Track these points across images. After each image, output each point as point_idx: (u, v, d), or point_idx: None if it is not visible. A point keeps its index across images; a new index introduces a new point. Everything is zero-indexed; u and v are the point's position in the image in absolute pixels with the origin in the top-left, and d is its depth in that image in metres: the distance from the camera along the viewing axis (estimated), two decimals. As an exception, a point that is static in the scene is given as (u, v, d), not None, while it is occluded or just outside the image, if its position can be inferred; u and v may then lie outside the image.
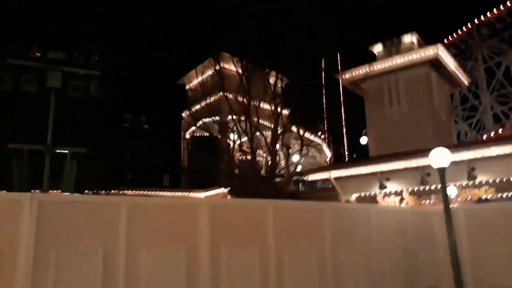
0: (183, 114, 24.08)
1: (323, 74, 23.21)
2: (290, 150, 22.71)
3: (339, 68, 23.60)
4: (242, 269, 6.52)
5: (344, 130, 28.07)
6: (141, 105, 24.39)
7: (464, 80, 21.97)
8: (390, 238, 8.62)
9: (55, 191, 9.05)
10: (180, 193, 20.05)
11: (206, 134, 22.05)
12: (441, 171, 8.12)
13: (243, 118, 20.79)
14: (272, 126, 21.72)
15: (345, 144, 27.20)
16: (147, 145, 23.59)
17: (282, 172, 21.04)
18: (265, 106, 22.14)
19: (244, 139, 20.75)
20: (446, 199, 8.05)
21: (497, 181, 11.02)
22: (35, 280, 5.05)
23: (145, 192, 20.21)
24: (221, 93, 20.88)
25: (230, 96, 20.42)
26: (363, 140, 22.39)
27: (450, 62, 19.42)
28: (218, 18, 20.77)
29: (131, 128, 24.46)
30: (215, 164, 20.81)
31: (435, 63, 18.89)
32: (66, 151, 9.59)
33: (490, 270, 8.73)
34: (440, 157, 8.19)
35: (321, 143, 28.70)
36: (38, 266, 5.14)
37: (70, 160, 9.41)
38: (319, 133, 27.61)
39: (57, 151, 9.55)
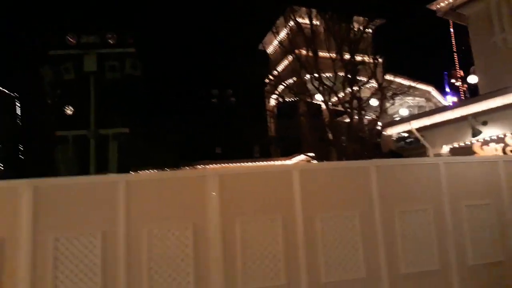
0: (266, 81, 23.33)
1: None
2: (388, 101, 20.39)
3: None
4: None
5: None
6: (226, 79, 24.25)
7: None
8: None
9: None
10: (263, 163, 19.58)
11: (291, 99, 21.07)
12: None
13: (329, 75, 19.22)
14: (366, 78, 19.68)
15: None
16: (235, 119, 23.58)
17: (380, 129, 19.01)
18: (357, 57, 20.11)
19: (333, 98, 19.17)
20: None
21: None
22: (35, 266, 5.16)
23: (235, 164, 20.29)
24: (300, 50, 19.51)
25: (305, 53, 18.93)
26: (472, 79, 18.89)
27: None
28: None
29: (219, 103, 24.62)
30: (301, 129, 19.80)
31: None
32: (109, 133, 9.71)
33: None
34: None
35: (429, 88, 25.29)
36: (38, 252, 5.23)
37: (112, 141, 9.52)
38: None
39: (101, 133, 9.72)
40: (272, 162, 20.39)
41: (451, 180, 6.81)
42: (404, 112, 24.26)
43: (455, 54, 31.94)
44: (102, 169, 9.35)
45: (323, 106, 19.68)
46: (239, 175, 6.16)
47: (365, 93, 20.76)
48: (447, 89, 34.02)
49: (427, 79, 24.74)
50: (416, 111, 24.35)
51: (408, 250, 6.32)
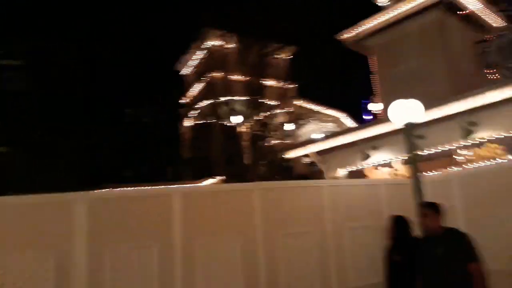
0: (182, 101, 23.01)
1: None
2: (298, 126, 21.01)
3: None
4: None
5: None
6: (141, 98, 23.51)
7: (495, 22, 19.01)
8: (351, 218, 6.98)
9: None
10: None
11: (205, 120, 20.88)
12: (409, 128, 6.41)
13: (243, 98, 19.40)
14: (277, 103, 20.15)
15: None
16: (148, 139, 22.81)
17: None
18: (268, 82, 20.56)
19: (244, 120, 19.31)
20: (414, 165, 6.31)
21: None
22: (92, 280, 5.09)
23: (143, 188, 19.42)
24: (214, 73, 19.58)
25: (220, 75, 19.03)
26: (372, 106, 20.17)
27: (469, 2, 16.71)
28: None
29: (132, 123, 23.72)
30: (216, 152, 19.63)
31: (452, 5, 16.33)
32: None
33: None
34: (406, 110, 6.46)
35: (339, 115, 26.59)
36: (93, 265, 5.14)
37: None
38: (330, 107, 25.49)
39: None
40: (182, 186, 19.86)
41: (335, 202, 6.96)
42: (317, 136, 25.22)
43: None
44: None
45: (237, 128, 19.77)
46: (109, 200, 5.76)
47: (278, 118, 21.28)
48: (365, 116, 36.01)
49: (347, 105, 26.02)
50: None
51: (290, 273, 6.27)
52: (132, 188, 16.72)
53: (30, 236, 5.16)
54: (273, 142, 20.16)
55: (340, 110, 27.11)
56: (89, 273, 5.17)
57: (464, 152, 9.58)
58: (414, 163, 6.31)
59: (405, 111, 6.27)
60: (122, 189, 15.59)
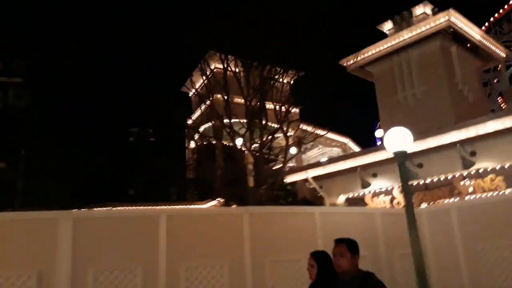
0: (187, 123, 23.16)
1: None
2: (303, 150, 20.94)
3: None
4: None
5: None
6: (147, 118, 23.72)
7: (500, 51, 19.04)
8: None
9: None
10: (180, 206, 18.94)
11: (207, 142, 20.93)
12: (400, 156, 6.30)
13: (245, 120, 19.43)
14: (280, 126, 20.13)
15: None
16: (153, 159, 22.91)
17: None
18: (271, 105, 20.61)
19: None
20: (408, 195, 6.18)
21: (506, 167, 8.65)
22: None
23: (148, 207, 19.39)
24: (217, 95, 19.68)
25: (222, 97, 19.12)
26: (379, 133, 20.08)
27: (472, 31, 16.79)
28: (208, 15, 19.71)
29: (137, 142, 23.87)
30: (217, 174, 19.59)
31: (455, 34, 16.39)
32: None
33: None
34: (398, 138, 6.38)
35: (345, 140, 26.52)
36: (76, 285, 5.18)
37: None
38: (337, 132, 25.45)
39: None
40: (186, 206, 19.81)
41: (327, 230, 6.82)
42: (322, 161, 25.13)
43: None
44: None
45: (240, 151, 19.77)
46: (96, 219, 5.75)
47: (282, 141, 21.25)
48: (378, 142, 35.83)
49: (358, 129, 25.90)
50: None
51: (278, 303, 6.13)
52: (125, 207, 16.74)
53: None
54: (277, 165, 20.02)
55: (345, 135, 27.07)
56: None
57: (464, 182, 9.42)
58: (408, 192, 6.19)
59: (395, 139, 6.20)
60: (109, 208, 15.47)
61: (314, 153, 29.35)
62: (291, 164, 20.72)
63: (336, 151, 28.97)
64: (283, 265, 6.31)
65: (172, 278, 5.63)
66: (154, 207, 17.56)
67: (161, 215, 5.98)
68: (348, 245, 3.81)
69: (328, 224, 6.87)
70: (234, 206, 17.98)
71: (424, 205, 8.88)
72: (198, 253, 5.92)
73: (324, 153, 28.54)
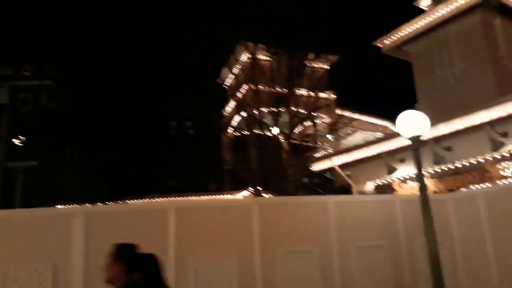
0: (223, 114, 23.39)
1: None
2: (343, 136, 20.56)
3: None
4: None
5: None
6: (185, 111, 24.16)
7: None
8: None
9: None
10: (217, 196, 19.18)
11: (242, 132, 21.08)
12: (415, 141, 5.99)
13: (282, 109, 19.31)
14: (317, 113, 19.83)
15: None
16: (192, 150, 23.38)
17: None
18: (306, 93, 20.32)
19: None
20: (421, 179, 5.88)
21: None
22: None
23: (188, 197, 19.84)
24: (250, 85, 19.67)
25: (261, 87, 19.05)
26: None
27: (517, 0, 15.45)
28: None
29: (176, 135, 24.45)
30: (252, 163, 19.67)
31: (497, 5, 15.20)
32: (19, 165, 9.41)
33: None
34: (412, 122, 6.07)
35: (386, 124, 25.58)
36: (90, 278, 5.28)
37: (20, 174, 9.23)
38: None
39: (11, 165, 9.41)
40: (223, 196, 20.06)
41: (342, 220, 6.64)
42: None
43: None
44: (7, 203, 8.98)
45: (280, 139, 19.68)
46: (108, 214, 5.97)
47: (319, 128, 20.94)
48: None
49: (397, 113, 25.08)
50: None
51: (290, 294, 6.06)
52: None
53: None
54: (315, 153, 19.77)
55: (386, 119, 26.12)
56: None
57: (502, 166, 8.77)
58: (422, 178, 5.89)
59: (411, 123, 5.89)
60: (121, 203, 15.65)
61: (356, 139, 28.65)
62: (330, 150, 20.36)
63: (379, 136, 28.09)
64: (296, 256, 6.23)
65: (181, 270, 5.72)
66: (191, 197, 18.00)
67: (170, 208, 6.07)
68: (118, 255, 3.12)
69: (344, 214, 6.68)
70: (269, 195, 18.03)
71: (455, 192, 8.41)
72: (207, 245, 5.96)
73: (367, 138, 27.77)
